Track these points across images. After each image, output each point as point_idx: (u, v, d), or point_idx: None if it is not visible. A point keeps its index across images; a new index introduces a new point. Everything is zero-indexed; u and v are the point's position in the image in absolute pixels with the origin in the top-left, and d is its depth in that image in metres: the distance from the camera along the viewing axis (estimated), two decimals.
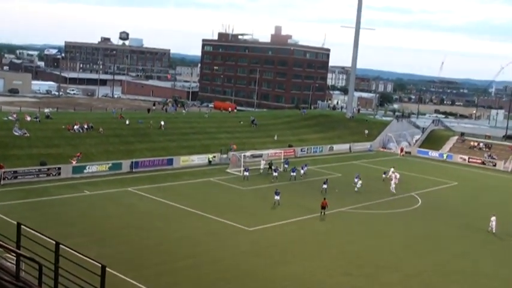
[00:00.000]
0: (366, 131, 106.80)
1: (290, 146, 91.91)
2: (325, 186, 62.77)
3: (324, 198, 53.88)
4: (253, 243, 42.98)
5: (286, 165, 74.32)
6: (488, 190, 74.53)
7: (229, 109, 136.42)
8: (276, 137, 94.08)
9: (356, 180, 66.98)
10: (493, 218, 52.06)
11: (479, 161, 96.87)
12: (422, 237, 48.79)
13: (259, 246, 42.13)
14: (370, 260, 40.95)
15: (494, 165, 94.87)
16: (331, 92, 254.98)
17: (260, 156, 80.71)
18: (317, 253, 41.81)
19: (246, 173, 67.46)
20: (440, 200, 65.38)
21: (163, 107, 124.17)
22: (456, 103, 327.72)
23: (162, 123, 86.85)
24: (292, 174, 68.94)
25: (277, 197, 55.02)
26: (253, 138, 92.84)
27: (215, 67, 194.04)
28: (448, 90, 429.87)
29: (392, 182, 67.73)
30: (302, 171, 71.15)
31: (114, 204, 51.52)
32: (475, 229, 52.62)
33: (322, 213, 52.52)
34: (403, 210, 58.32)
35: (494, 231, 51.28)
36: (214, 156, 76.81)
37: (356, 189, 65.25)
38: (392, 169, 71.91)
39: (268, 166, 72.64)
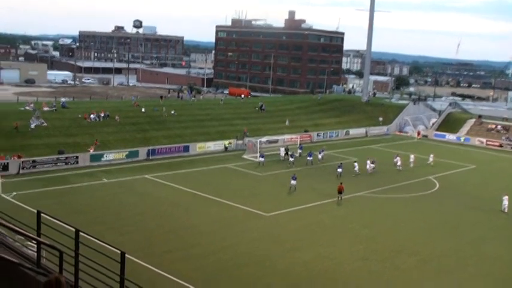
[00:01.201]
0: (380, 118, 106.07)
1: (306, 131, 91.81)
2: (340, 170, 62.78)
3: (341, 183, 53.91)
4: (269, 228, 43.17)
5: (300, 150, 74.28)
6: (506, 173, 73.97)
7: (242, 95, 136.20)
8: (287, 122, 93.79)
9: (368, 163, 67.94)
10: (506, 197, 52.38)
11: (497, 144, 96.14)
12: (439, 221, 48.67)
13: (275, 232, 42.31)
14: (387, 245, 40.98)
15: None
16: (346, 76, 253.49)
17: (276, 141, 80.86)
18: (333, 238, 41.91)
19: (262, 159, 67.59)
20: (458, 183, 65.08)
21: (179, 94, 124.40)
22: (473, 85, 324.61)
23: (173, 112, 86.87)
24: (308, 159, 68.94)
25: (293, 182, 55.21)
26: (268, 124, 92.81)
27: (229, 53, 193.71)
28: (465, 73, 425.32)
29: (399, 164, 69.44)
30: (319, 156, 71.20)
31: (131, 192, 51.93)
32: (493, 213, 52.41)
33: (339, 198, 52.57)
34: (420, 194, 58.16)
35: (506, 211, 51.57)
36: (230, 143, 76.99)
37: (367, 170, 66.28)
38: (398, 157, 71.58)
39: (285, 152, 72.85)
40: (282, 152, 71.70)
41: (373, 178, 63.60)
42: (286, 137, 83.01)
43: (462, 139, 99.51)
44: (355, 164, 66.43)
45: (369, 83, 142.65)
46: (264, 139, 76.05)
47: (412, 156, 72.87)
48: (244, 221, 44.82)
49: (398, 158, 70.69)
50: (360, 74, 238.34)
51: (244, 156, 71.79)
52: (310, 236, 42.07)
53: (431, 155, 74.96)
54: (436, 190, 60.76)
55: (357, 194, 55.62)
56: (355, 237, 42.43)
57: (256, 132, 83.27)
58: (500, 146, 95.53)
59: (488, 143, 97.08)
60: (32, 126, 69.52)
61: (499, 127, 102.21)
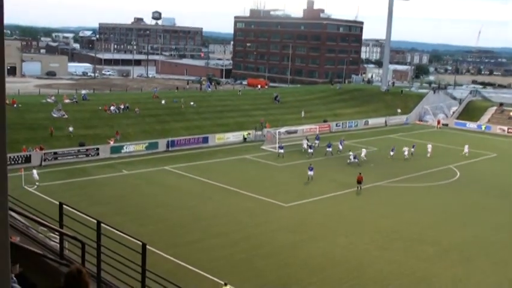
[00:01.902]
0: (399, 110, 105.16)
1: (325, 121, 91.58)
2: (354, 159, 63.08)
3: (360, 173, 53.78)
4: (289, 219, 43.27)
5: (317, 141, 73.96)
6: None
7: (259, 86, 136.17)
8: (303, 114, 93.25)
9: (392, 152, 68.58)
10: None
11: None
12: (460, 210, 48.40)
13: (295, 222, 42.41)
14: (407, 234, 40.87)
15: None
16: (366, 65, 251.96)
17: (295, 132, 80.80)
18: (353, 228, 41.90)
19: (281, 151, 67.53)
20: (479, 172, 64.56)
21: (200, 85, 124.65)
22: (494, 73, 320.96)
23: (192, 103, 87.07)
24: (328, 149, 68.70)
25: (310, 173, 55.13)
26: (287, 114, 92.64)
27: (248, 44, 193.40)
28: (486, 60, 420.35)
29: (406, 153, 69.11)
30: (340, 147, 70.86)
31: (151, 183, 52.30)
32: None
33: (359, 188, 52.47)
34: (441, 183, 57.81)
35: None
36: (249, 134, 77.08)
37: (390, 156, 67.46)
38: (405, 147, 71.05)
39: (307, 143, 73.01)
40: (305, 143, 70.89)
41: (393, 167, 63.32)
42: (305, 127, 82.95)
43: (483, 127, 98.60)
44: (363, 150, 67.21)
45: (388, 72, 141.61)
46: (283, 130, 76.02)
47: (429, 146, 72.32)
48: (264, 211, 44.96)
49: (406, 148, 70.06)
50: (379, 64, 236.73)
51: (263, 147, 71.85)
52: (329, 226, 42.10)
53: (467, 146, 74.11)
54: (457, 179, 60.37)
55: (376, 183, 55.45)
56: (374, 226, 42.36)
57: (274, 123, 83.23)
58: None
59: (510, 131, 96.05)
60: (55, 116, 70.53)
61: None
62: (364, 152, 66.62)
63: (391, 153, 68.93)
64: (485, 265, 35.78)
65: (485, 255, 37.46)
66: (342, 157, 67.85)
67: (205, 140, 72.29)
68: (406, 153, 69.28)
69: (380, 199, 50.75)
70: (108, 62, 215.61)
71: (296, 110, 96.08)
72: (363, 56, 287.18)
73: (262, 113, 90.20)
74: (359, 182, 52.61)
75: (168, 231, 38.96)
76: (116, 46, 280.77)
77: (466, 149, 73.76)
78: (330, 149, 68.76)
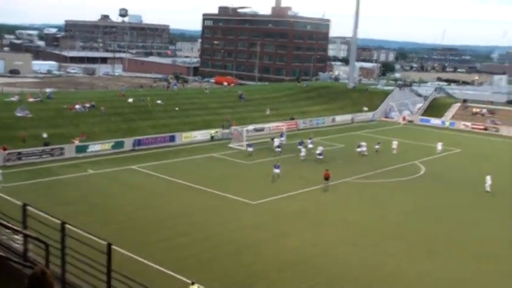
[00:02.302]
0: (365, 108, 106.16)
1: (292, 118, 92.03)
2: (320, 157, 63.25)
3: (327, 170, 54.19)
4: (256, 216, 43.43)
5: (282, 138, 74.28)
6: (492, 156, 74.79)
7: (225, 83, 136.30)
8: (268, 111, 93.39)
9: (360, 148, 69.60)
10: (488, 178, 54.01)
11: (482, 127, 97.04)
12: (426, 204, 49.20)
13: (262, 220, 42.58)
14: (375, 230, 41.39)
15: (497, 131, 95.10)
16: (333, 63, 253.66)
17: (262, 130, 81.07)
18: (321, 225, 42.25)
19: (250, 149, 67.58)
20: (444, 167, 65.71)
21: (167, 83, 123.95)
22: (458, 70, 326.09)
23: (159, 101, 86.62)
24: (299, 147, 68.68)
25: (276, 171, 55.23)
26: (254, 112, 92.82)
27: (215, 42, 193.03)
28: (450, 57, 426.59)
29: (364, 149, 70.04)
30: (310, 145, 71.12)
31: (118, 183, 51.91)
32: (479, 194, 53.11)
33: (326, 185, 52.94)
34: (407, 179, 58.68)
35: (489, 190, 53.26)
36: (217, 132, 77.05)
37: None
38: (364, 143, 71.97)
39: (271, 139, 73.32)
40: (277, 142, 70.19)
41: (359, 164, 63.99)
42: (272, 125, 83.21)
43: (447, 123, 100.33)
44: (319, 148, 67.03)
45: (354, 70, 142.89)
46: (250, 127, 76.16)
47: (395, 142, 73.16)
48: (232, 209, 45.03)
49: (363, 144, 70.99)
50: (346, 61, 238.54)
51: (230, 145, 71.91)
52: (297, 222, 42.38)
53: (440, 143, 74.73)
54: (422, 174, 61.33)
55: (343, 180, 55.96)
56: (342, 223, 42.79)
57: (242, 121, 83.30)
58: (485, 129, 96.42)
59: (473, 126, 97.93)
60: (19, 115, 69.38)
61: (484, 111, 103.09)
62: (320, 149, 66.83)
63: (358, 149, 69.75)
64: (453, 258, 36.41)
65: (453, 249, 38.12)
66: (308, 154, 68.21)
67: (172, 138, 71.99)
68: (364, 148, 70.34)
69: (347, 195, 51.28)
70: (74, 59, 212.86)
71: (263, 108, 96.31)
72: (330, 53, 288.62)
73: (229, 111, 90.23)
74: (326, 178, 52.99)
75: (134, 230, 38.75)
76: (81, 44, 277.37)
77: (439, 146, 74.42)
78: (301, 147, 68.61)
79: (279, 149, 67.86)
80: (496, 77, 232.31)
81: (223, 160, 64.52)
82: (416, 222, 43.83)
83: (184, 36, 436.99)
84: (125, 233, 37.74)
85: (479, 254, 37.58)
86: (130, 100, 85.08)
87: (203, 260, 34.03)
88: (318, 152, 65.43)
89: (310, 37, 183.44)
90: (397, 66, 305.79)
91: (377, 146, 71.68)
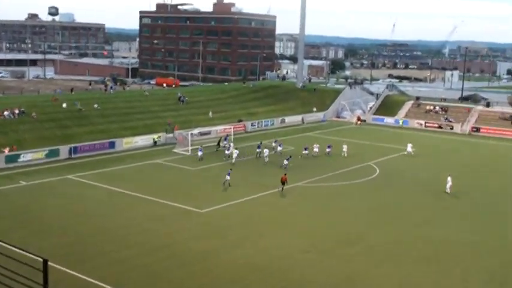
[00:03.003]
0: (314, 109, 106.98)
1: (240, 120, 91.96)
2: (286, 162, 63.22)
3: (285, 174, 54.32)
4: (205, 225, 43.07)
5: (225, 141, 74.19)
6: (447, 154, 76.55)
7: (164, 84, 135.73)
8: (210, 114, 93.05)
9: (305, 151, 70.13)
10: (449, 179, 54.79)
11: (436, 125, 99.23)
12: (382, 207, 49.84)
13: (212, 228, 42.27)
14: (330, 235, 41.62)
15: (452, 129, 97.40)
16: (280, 61, 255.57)
17: (208, 133, 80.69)
18: (275, 231, 42.21)
19: (200, 153, 67.17)
20: (399, 167, 66.81)
21: (106, 86, 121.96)
22: (410, 66, 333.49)
23: (95, 105, 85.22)
24: (258, 150, 68.54)
25: (228, 177, 54.71)
26: (198, 115, 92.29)
27: (155, 41, 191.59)
28: (401, 53, 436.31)
29: (317, 150, 71.11)
30: (279, 148, 71.47)
31: (54, 194, 50.67)
32: (435, 195, 54.17)
33: (282, 189, 53.02)
34: (361, 181, 59.34)
35: (449, 191, 54.24)
36: (159, 137, 76.29)
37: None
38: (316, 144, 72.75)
39: (217, 144, 73.03)
40: (231, 148, 69.31)
41: (311, 167, 64.35)
42: (219, 128, 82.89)
43: (401, 122, 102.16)
44: (265, 150, 67.21)
45: (303, 68, 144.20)
46: (195, 131, 75.70)
47: (344, 146, 73.14)
48: (179, 219, 44.54)
49: (316, 145, 71.85)
50: (294, 59, 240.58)
51: (175, 150, 71.30)
52: (249, 230, 42.24)
53: (410, 145, 74.79)
54: (377, 176, 62.16)
55: (297, 184, 56.14)
56: (297, 228, 42.88)
57: (186, 124, 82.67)
58: (440, 127, 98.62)
59: (427, 124, 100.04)
60: None
61: (437, 108, 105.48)
62: (266, 152, 67.06)
63: (304, 152, 69.96)
64: (410, 261, 36.94)
65: (409, 252, 38.69)
66: (261, 158, 68.27)
67: (112, 145, 70.88)
68: (316, 149, 70.94)
69: (301, 200, 51.45)
70: (0, 62, 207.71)
71: (208, 110, 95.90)
72: (277, 51, 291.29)
73: (172, 114, 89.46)
74: (283, 182, 53.14)
75: (73, 245, 37.81)
76: (8, 45, 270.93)
77: (409, 148, 74.48)
78: (260, 150, 68.40)
79: (228, 152, 67.35)
80: (448, 73, 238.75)
81: (168, 166, 63.87)
82: (372, 226, 44.33)
83: (121, 36, 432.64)
84: (63, 248, 36.79)
85: (438, 256, 38.25)
86: (64, 105, 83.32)
87: (149, 273, 33.47)
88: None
89: (255, 34, 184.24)
90: (347, 64, 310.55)
91: (328, 149, 72.07)
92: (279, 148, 71.68)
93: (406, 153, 74.14)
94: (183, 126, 79.78)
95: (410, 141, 77.32)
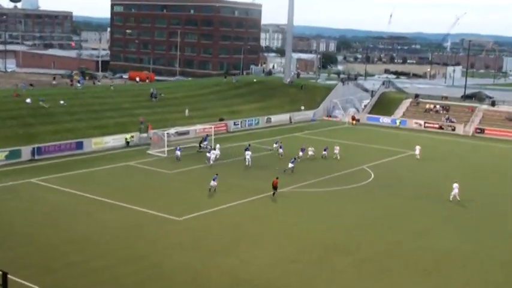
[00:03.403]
0: (302, 107, 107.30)
1: (221, 119, 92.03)
2: (291, 165, 63.55)
3: (277, 178, 54.54)
4: (184, 234, 43.12)
5: (205, 142, 74.29)
6: (448, 158, 77.08)
7: (137, 78, 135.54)
8: (187, 112, 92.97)
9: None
10: (456, 185, 54.77)
11: (437, 126, 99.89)
12: (376, 215, 50.15)
13: (192, 238, 42.34)
14: (320, 244, 41.85)
15: (454, 130, 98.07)
16: (266, 54, 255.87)
17: (187, 133, 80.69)
18: (260, 240, 42.39)
19: (178, 153, 67.61)
20: (395, 172, 67.26)
21: (71, 80, 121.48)
22: (408, 61, 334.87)
23: (62, 102, 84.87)
24: (247, 153, 68.30)
25: (213, 183, 54.39)
26: (175, 113, 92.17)
27: (128, 31, 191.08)
28: (399, 47, 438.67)
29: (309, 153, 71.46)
30: (280, 150, 71.74)
31: (15, 199, 50.49)
32: (435, 202, 54.54)
33: (273, 194, 53.34)
34: (354, 186, 59.66)
35: (458, 199, 54.30)
36: (132, 136, 76.22)
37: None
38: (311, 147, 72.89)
39: (198, 145, 73.20)
40: (215, 153, 69.15)
41: (300, 170, 64.53)
42: (199, 127, 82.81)
43: (398, 122, 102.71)
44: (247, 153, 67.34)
45: (291, 62, 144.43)
46: (172, 131, 75.68)
47: (336, 147, 73.61)
48: (155, 227, 44.55)
49: (310, 148, 72.20)
50: (281, 52, 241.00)
51: (150, 152, 71.27)
52: (232, 239, 42.35)
53: (418, 147, 75.17)
54: (372, 180, 62.53)
55: (285, 189, 56.25)
56: (284, 237, 43.07)
57: (162, 123, 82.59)
58: (441, 127, 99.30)
59: (426, 125, 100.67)
60: None
61: (437, 107, 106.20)
62: (248, 154, 67.32)
63: (300, 153, 70.28)
64: (406, 275, 37.25)
65: (406, 264, 39.01)
66: (242, 160, 68.34)
67: (80, 145, 70.74)
68: (311, 152, 71.33)
69: (288, 206, 51.65)
70: None
71: (188, 108, 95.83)
72: (263, 43, 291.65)
73: (146, 111, 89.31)
74: (274, 187, 53.36)
75: (37, 255, 37.74)
76: None
77: (417, 150, 74.66)
78: (249, 153, 68.44)
79: (209, 155, 67.07)
80: (450, 69, 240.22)
81: (142, 170, 63.84)
82: (366, 235, 44.61)
83: (91, 25, 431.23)
84: (25, 258, 36.74)
85: (438, 269, 38.58)
86: (28, 100, 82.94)
87: (124, 286, 33.55)
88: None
89: (239, 24, 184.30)
90: (340, 58, 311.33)
91: (324, 152, 72.30)
92: (280, 150, 71.96)
93: (417, 157, 73.99)
94: (158, 125, 79.72)
95: (417, 143, 77.57)
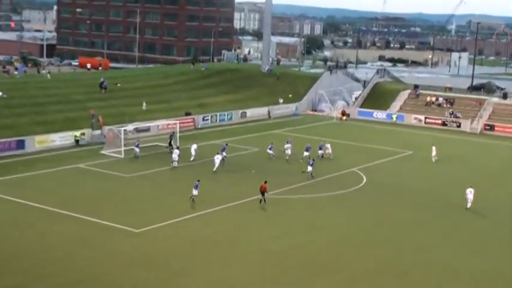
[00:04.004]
0: (281, 100, 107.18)
1: (188, 114, 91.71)
2: (310, 168, 63.58)
3: (265, 182, 54.25)
4: (142, 250, 42.77)
5: (169, 140, 73.98)
6: (453, 159, 77.21)
7: (88, 65, 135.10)
8: (144, 106, 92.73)
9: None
10: (470, 190, 54.88)
11: (439, 122, 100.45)
12: (369, 226, 50.16)
13: (152, 253, 42.05)
14: (303, 261, 41.68)
15: (459, 126, 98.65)
16: (241, 37, 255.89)
17: (147, 130, 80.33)
18: (232, 256, 42.18)
19: (137, 150, 68.13)
20: (391, 175, 67.47)
21: (4, 68, 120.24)
22: (406, 46, 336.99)
23: (0, 93, 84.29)
24: (223, 154, 67.86)
25: (195, 192, 53.26)
26: (135, 106, 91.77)
27: (78, 9, 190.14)
28: (395, 30, 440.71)
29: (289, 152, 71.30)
30: (288, 151, 71.71)
31: None
32: (438, 211, 54.81)
33: (262, 201, 53.36)
34: (343, 192, 59.72)
35: (468, 206, 54.69)
36: (83, 134, 75.73)
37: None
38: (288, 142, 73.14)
39: (168, 144, 73.25)
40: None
41: (281, 173, 64.47)
42: (161, 123, 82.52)
43: (394, 117, 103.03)
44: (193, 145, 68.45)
45: (270, 47, 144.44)
46: (130, 127, 75.33)
47: (328, 145, 73.88)
48: (108, 240, 44.22)
49: (287, 146, 72.01)
50: (258, 35, 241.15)
51: (104, 152, 70.89)
52: (199, 255, 42.10)
53: (434, 148, 74.96)
54: (364, 185, 62.65)
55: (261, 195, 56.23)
56: (261, 253, 42.89)
57: (119, 117, 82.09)
58: (444, 124, 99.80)
59: (428, 120, 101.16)
60: None
61: (440, 100, 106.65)
62: (194, 147, 67.69)
63: (305, 153, 70.07)
64: None
65: (404, 284, 39.08)
66: (207, 162, 68.18)
67: (21, 144, 70.27)
68: (288, 151, 71.17)
69: (267, 216, 51.55)
70: None
71: (148, 100, 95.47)
72: (237, 25, 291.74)
73: (101, 104, 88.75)
74: (263, 192, 53.28)
75: None
76: None
77: (433, 152, 74.46)
78: (221, 156, 68.07)
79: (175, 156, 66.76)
80: (455, 55, 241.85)
81: (95, 173, 63.46)
82: (356, 250, 44.53)
83: (34, 3, 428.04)
84: None
85: None
86: None
87: None
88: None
89: (208, 2, 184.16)
90: (327, 42, 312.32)
91: (320, 151, 72.27)
92: (288, 152, 71.84)
93: (433, 160, 74.08)
94: (115, 121, 79.18)
95: (433, 143, 77.17)
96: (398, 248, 45.52)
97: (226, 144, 71.97)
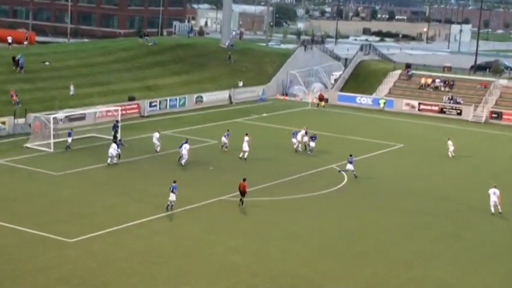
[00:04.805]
0: (241, 83, 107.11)
1: (132, 98, 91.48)
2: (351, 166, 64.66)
3: (244, 180, 54.57)
4: (74, 264, 42.57)
5: (113, 132, 73.69)
6: (453, 153, 77.75)
7: (9, 38, 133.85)
8: (72, 90, 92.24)
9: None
10: (493, 191, 54.98)
11: (436, 109, 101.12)
12: (351, 235, 50.44)
13: (88, 267, 41.90)
14: (271, 277, 41.80)
15: (460, 114, 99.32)
16: (196, 6, 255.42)
17: (82, 118, 79.98)
18: (184, 271, 42.16)
19: (69, 139, 68.84)
20: (378, 173, 67.96)
21: None
22: (396, 17, 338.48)
23: None
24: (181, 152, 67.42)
25: (172, 197, 52.60)
26: (64, 89, 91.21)
27: None
28: None
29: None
30: (312, 143, 72.83)
31: None
32: (435, 217, 55.19)
33: (241, 203, 53.97)
34: (321, 194, 59.99)
35: (499, 211, 55.01)
36: (4, 123, 75.28)
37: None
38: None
39: (113, 136, 72.85)
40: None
41: (246, 171, 64.53)
42: (99, 109, 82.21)
43: (382, 103, 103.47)
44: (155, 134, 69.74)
45: (232, 18, 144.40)
46: (61, 115, 74.99)
47: (301, 133, 74.34)
48: (35, 252, 43.99)
49: (246, 138, 71.01)
50: (217, 3, 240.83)
51: (29, 145, 70.51)
52: (144, 270, 42.03)
53: (450, 142, 75.08)
54: (345, 185, 62.94)
55: (220, 197, 56.33)
56: (219, 268, 42.90)
57: (46, 103, 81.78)
58: (442, 111, 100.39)
59: (422, 107, 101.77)
60: None
61: (437, 82, 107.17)
62: (156, 136, 68.47)
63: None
64: None
65: None
66: (162, 156, 68.15)
67: None
68: (245, 145, 70.51)
69: (229, 222, 51.65)
70: None
71: (82, 81, 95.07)
72: None
73: (25, 87, 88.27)
74: (242, 193, 53.72)
75: None
76: None
77: (451, 146, 74.69)
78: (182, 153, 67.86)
79: (117, 152, 66.46)
80: (455, 28, 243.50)
81: (18, 170, 63.21)
82: (336, 262, 44.77)
83: None
84: None
85: None
86: None
87: None
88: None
89: None
90: (300, 11, 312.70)
91: (312, 144, 72.79)
92: (312, 144, 72.68)
93: (450, 156, 74.55)
94: (42, 107, 78.81)
95: (448, 136, 77.46)
96: (386, 263, 45.49)
97: (187, 140, 69.34)
